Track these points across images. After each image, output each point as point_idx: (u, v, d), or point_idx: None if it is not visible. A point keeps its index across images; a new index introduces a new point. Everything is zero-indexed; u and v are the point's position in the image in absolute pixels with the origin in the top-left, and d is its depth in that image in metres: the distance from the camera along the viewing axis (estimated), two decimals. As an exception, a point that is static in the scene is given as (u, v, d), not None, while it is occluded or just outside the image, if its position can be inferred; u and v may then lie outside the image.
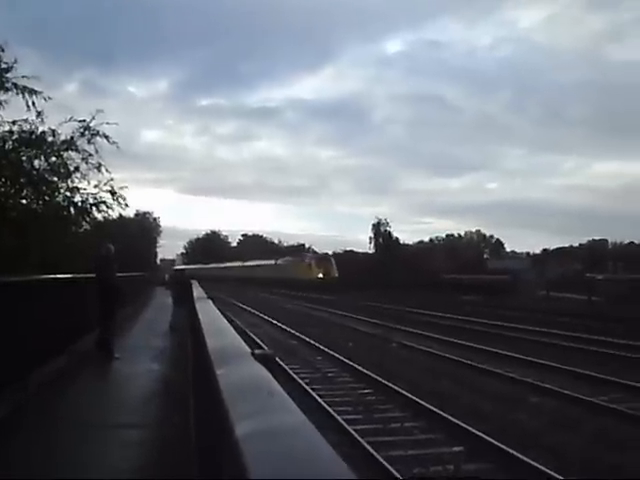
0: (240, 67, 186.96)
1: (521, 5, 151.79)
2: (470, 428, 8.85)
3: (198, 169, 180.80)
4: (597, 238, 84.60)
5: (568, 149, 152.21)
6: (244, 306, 36.41)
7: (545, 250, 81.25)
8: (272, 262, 75.36)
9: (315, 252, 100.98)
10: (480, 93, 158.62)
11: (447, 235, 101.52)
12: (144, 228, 60.05)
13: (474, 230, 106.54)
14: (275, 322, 26.19)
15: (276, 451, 1.13)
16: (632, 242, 71.54)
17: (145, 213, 65.67)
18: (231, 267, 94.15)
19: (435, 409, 10.05)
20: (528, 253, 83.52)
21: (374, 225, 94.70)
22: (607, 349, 17.55)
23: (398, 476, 7.07)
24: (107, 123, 17.43)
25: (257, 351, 2.38)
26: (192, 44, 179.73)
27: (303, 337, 20.64)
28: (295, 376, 13.46)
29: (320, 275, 60.96)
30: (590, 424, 9.60)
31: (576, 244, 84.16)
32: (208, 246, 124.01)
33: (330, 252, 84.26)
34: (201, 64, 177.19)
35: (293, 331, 22.44)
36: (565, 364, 14.80)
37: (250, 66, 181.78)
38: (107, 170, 17.39)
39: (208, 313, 5.86)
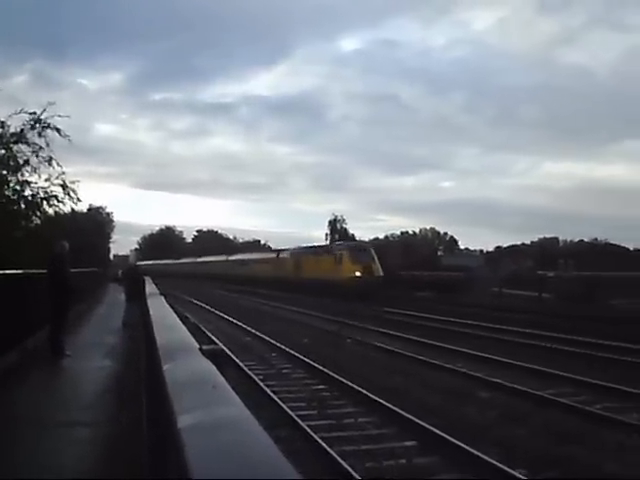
0: (195, 61, 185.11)
1: (475, 7, 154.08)
2: (422, 422, 8.98)
3: (152, 164, 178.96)
4: (548, 236, 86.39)
5: (520, 149, 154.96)
6: (201, 303, 36.12)
7: (498, 248, 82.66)
8: (271, 255, 60.09)
9: (267, 247, 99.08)
10: (435, 93, 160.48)
11: (402, 232, 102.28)
12: (97, 223, 59.03)
13: (428, 228, 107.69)
14: (231, 319, 26.05)
15: (216, 443, 1.15)
16: (582, 240, 73.14)
17: (98, 208, 64.68)
18: (206, 262, 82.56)
19: (388, 404, 10.17)
20: (482, 250, 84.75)
21: (330, 222, 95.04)
22: (556, 345, 17.95)
23: (350, 470, 7.12)
24: (59, 116, 17.19)
25: (205, 346, 2.39)
26: (146, 37, 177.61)
27: (258, 334, 20.60)
28: (250, 372, 13.45)
29: (357, 273, 40.00)
30: (538, 417, 9.84)
31: (528, 242, 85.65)
32: (162, 241, 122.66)
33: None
34: (156, 58, 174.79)
35: (249, 327, 22.38)
36: (515, 359, 15.11)
37: (205, 61, 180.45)
38: (58, 164, 17.13)
39: (159, 309, 5.82)
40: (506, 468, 7.02)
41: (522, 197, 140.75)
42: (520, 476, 6.82)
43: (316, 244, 64.07)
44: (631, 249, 61.63)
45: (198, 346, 2.48)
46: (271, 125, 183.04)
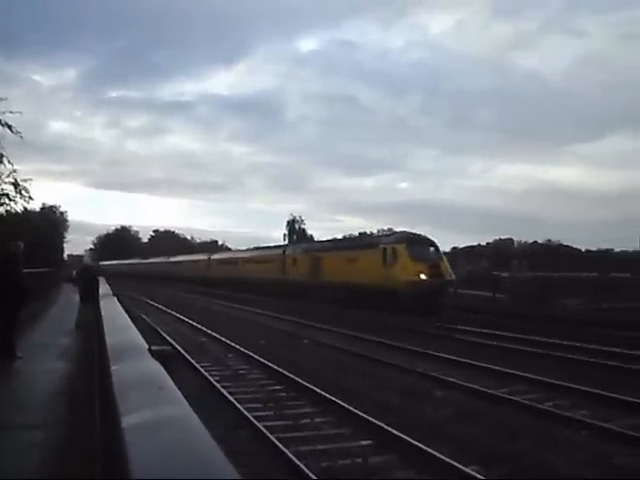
0: (152, 59, 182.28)
1: (432, 10, 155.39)
2: (378, 422, 9.05)
3: (108, 162, 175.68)
4: (503, 237, 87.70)
5: (476, 152, 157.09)
6: (161, 306, 35.72)
7: (454, 248, 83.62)
8: (274, 253, 46.25)
9: (225, 247, 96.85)
10: (393, 95, 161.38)
11: (360, 233, 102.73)
12: (50, 222, 57.81)
13: (386, 228, 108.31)
14: (188, 320, 25.82)
15: (158, 443, 1.15)
16: (535, 241, 74.58)
17: (51, 207, 63.45)
18: (179, 263, 72.11)
19: (345, 404, 10.21)
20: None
21: (288, 222, 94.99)
22: (509, 344, 18.26)
23: (306, 470, 7.13)
24: (10, 112, 16.78)
25: (154, 347, 2.38)
26: (102, 32, 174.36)
27: (214, 334, 20.49)
28: (206, 374, 13.38)
29: (422, 276, 27.98)
30: (492, 415, 10.01)
31: (484, 243, 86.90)
32: (118, 242, 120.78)
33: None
34: (111, 54, 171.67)
35: (205, 328, 22.23)
36: (470, 358, 15.33)
37: (162, 58, 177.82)
38: (9, 161, 16.79)
39: (111, 310, 5.75)
40: (459, 465, 7.13)
41: (478, 199, 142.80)
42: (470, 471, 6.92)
43: (348, 235, 58.81)
44: (583, 250, 63.05)
45: (147, 347, 2.47)
46: (229, 124, 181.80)
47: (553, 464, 7.59)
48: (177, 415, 1.36)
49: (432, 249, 30.46)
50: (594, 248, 62.37)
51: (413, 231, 32.11)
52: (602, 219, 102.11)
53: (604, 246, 62.59)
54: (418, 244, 30.02)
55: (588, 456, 7.88)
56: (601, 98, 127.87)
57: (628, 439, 8.53)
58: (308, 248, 41.72)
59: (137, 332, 3.18)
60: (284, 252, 43.62)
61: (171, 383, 1.74)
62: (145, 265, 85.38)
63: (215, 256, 63.05)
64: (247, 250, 59.23)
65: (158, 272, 76.11)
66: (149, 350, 2.35)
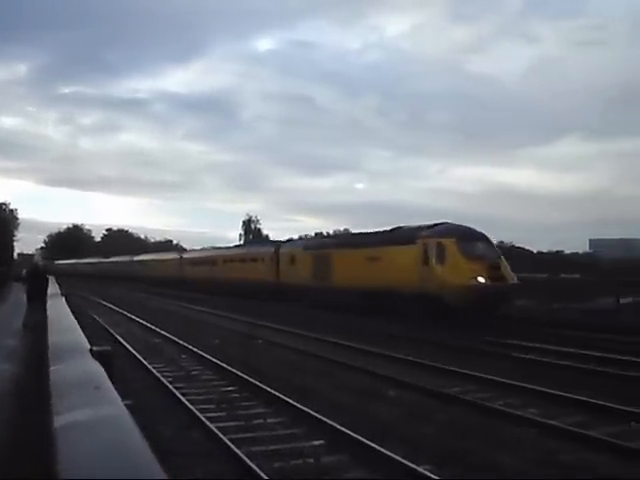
0: (107, 55, 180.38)
1: (389, 12, 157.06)
2: (331, 422, 9.07)
3: (60, 159, 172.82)
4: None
5: (432, 153, 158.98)
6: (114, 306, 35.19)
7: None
8: (261, 251, 40.79)
9: (179, 247, 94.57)
10: (350, 96, 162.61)
11: (316, 233, 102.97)
12: (0, 220, 56.51)
13: (342, 229, 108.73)
14: (141, 321, 25.50)
15: (88, 443, 1.13)
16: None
17: (1, 204, 62.02)
18: (144, 262, 66.17)
19: (298, 404, 10.21)
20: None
21: (244, 222, 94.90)
22: (467, 344, 18.48)
23: (258, 471, 7.10)
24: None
25: (95, 348, 2.34)
26: (55, 27, 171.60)
27: (167, 335, 20.28)
28: (158, 374, 13.23)
29: (480, 279, 22.70)
30: (443, 415, 10.14)
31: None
32: (70, 240, 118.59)
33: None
34: (64, 49, 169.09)
35: (158, 329, 21.99)
36: (425, 359, 15.47)
37: (117, 55, 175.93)
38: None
39: (56, 310, 5.63)
40: (410, 464, 7.19)
41: (433, 200, 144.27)
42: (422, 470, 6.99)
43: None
44: (535, 252, 64.30)
45: (89, 347, 2.42)
46: (186, 123, 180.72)
47: (502, 462, 7.71)
48: (111, 415, 1.34)
49: (487, 244, 24.84)
50: (546, 250, 63.81)
51: (456, 224, 25.84)
52: (554, 221, 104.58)
53: (555, 248, 64.10)
54: (470, 238, 24.41)
55: (536, 454, 8.03)
56: (554, 102, 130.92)
57: (575, 436, 8.74)
58: (311, 245, 35.80)
59: (81, 332, 3.13)
60: (277, 250, 37.53)
61: (108, 383, 1.71)
62: (107, 264, 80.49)
63: (188, 255, 57.17)
64: (228, 248, 53.62)
65: (122, 272, 70.93)
66: (90, 351, 2.31)
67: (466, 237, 24.31)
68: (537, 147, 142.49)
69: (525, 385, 12.10)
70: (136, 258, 71.08)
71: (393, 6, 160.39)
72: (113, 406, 1.43)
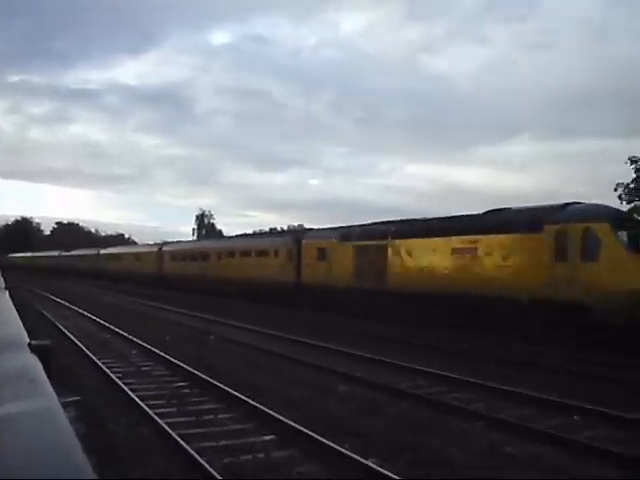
0: (56, 44, 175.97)
1: (345, 10, 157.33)
2: (281, 417, 9.10)
3: (8, 150, 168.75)
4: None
5: (385, 151, 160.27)
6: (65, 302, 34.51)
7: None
8: (282, 240, 32.62)
9: (131, 241, 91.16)
10: (305, 92, 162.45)
11: (270, 228, 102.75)
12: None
13: (297, 225, 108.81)
14: (91, 316, 25.07)
15: (13, 437, 1.11)
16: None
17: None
18: (115, 256, 57.43)
19: (249, 400, 10.20)
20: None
21: (198, 217, 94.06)
22: (418, 340, 18.69)
23: (207, 466, 7.07)
24: None
25: (34, 342, 2.31)
26: (3, 14, 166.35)
27: (118, 330, 20.01)
28: (108, 371, 13.05)
29: None
30: (393, 409, 10.27)
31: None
32: (18, 234, 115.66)
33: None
34: (12, 37, 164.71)
35: (109, 324, 21.67)
36: (376, 354, 15.60)
37: (67, 44, 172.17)
38: None
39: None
40: (359, 458, 7.26)
41: (386, 197, 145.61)
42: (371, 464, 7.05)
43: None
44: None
45: (28, 341, 2.39)
46: (138, 115, 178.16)
47: (449, 453, 7.85)
48: (42, 408, 1.32)
49: None
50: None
51: (604, 205, 19.34)
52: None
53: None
54: (628, 224, 18.11)
55: (483, 446, 8.20)
56: (506, 103, 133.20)
57: (519, 429, 8.96)
58: (353, 234, 26.26)
59: (21, 326, 3.07)
60: (298, 241, 29.88)
61: (44, 377, 1.68)
62: (67, 259, 73.87)
63: (169, 248, 48.31)
64: (220, 240, 48.06)
65: (86, 268, 64.62)
66: (29, 345, 2.27)
67: (622, 222, 18.01)
68: (489, 146, 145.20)
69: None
70: (102, 252, 64.60)
71: (349, 3, 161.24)
72: (46, 400, 1.41)
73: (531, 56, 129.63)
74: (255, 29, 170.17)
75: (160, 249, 49.09)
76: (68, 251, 76.39)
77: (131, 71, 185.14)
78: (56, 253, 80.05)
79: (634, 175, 30.48)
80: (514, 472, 7.16)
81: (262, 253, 32.95)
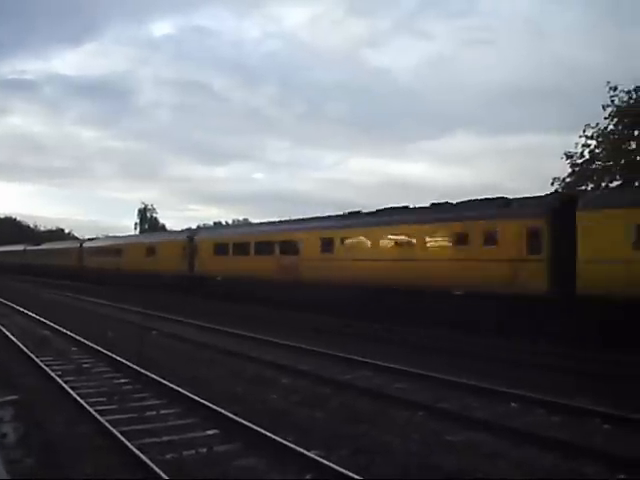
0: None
1: (288, 2, 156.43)
2: (224, 411, 9.08)
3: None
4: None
5: (329, 145, 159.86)
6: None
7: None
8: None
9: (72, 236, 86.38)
10: (247, 84, 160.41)
11: (214, 223, 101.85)
12: None
13: (241, 219, 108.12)
14: (30, 313, 24.44)
15: None
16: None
17: None
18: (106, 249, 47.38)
19: (192, 395, 10.14)
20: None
21: (140, 210, 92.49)
22: (363, 332, 18.86)
23: (150, 463, 7.01)
24: None
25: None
26: None
27: (58, 327, 19.59)
28: (47, 368, 12.78)
29: None
30: (335, 400, 10.37)
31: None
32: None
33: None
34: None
35: (48, 321, 21.18)
36: (318, 347, 15.70)
37: (3, 33, 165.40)
38: None
39: None
40: (300, 449, 7.32)
41: (330, 190, 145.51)
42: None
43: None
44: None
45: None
46: (77, 107, 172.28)
47: (390, 443, 7.98)
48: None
49: None
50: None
51: None
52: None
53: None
54: None
55: (423, 434, 8.36)
56: (446, 98, 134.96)
57: (459, 417, 9.18)
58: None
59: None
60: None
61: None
62: (32, 253, 65.51)
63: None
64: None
65: (54, 265, 56.22)
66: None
67: None
68: (430, 141, 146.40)
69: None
70: (30, 248, 64.54)
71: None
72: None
73: (472, 52, 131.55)
74: (197, 20, 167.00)
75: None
76: (38, 244, 70.50)
77: (71, 62, 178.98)
78: (20, 247, 73.92)
79: (570, 170, 31.29)
80: (451, 458, 7.31)
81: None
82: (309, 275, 25.09)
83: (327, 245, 25.11)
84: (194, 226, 51.08)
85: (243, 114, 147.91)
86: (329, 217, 27.68)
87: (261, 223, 34.79)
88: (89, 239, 57.72)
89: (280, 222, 31.17)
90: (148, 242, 42.41)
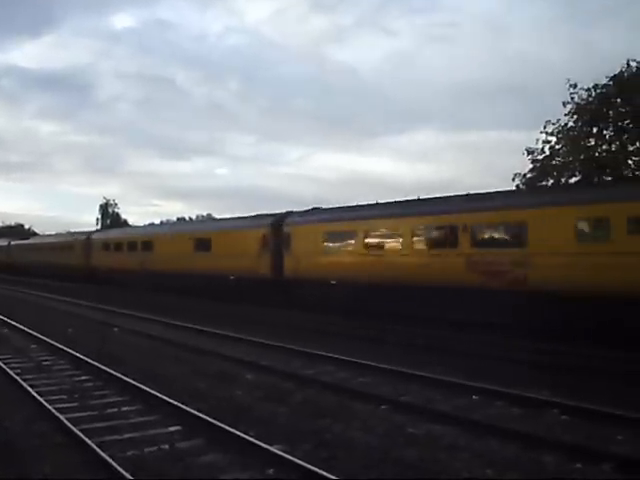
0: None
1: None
2: (186, 407, 9.03)
3: None
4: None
5: (292, 140, 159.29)
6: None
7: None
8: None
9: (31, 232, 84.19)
10: (210, 79, 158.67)
11: (178, 218, 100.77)
12: None
13: (205, 214, 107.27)
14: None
15: None
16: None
17: None
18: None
19: (154, 392, 10.07)
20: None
21: (101, 206, 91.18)
22: (330, 326, 18.91)
23: (110, 461, 6.94)
24: None
25: None
26: None
27: (16, 324, 19.25)
28: (5, 367, 12.56)
29: None
30: (299, 394, 10.40)
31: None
32: None
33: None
34: None
35: (5, 318, 20.80)
36: (283, 343, 15.69)
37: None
38: None
39: None
40: (263, 444, 7.32)
41: (295, 186, 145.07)
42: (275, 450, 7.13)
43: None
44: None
45: None
46: (35, 100, 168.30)
47: (352, 436, 8.03)
48: None
49: None
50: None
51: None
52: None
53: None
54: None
55: (385, 428, 8.43)
56: (409, 94, 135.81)
57: (422, 410, 9.28)
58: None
59: None
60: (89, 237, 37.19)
61: None
62: (20, 250, 57.93)
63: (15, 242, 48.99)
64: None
65: (50, 263, 47.73)
66: None
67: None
68: (393, 136, 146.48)
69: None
70: (16, 243, 58.25)
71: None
72: None
73: (435, 48, 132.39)
74: (159, 13, 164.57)
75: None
76: (26, 239, 63.72)
77: (29, 54, 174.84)
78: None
79: (530, 165, 31.68)
80: (413, 451, 7.39)
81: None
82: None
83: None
84: (157, 221, 48.52)
85: (206, 109, 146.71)
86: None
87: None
88: (96, 231, 50.26)
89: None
90: (200, 231, 33.04)
